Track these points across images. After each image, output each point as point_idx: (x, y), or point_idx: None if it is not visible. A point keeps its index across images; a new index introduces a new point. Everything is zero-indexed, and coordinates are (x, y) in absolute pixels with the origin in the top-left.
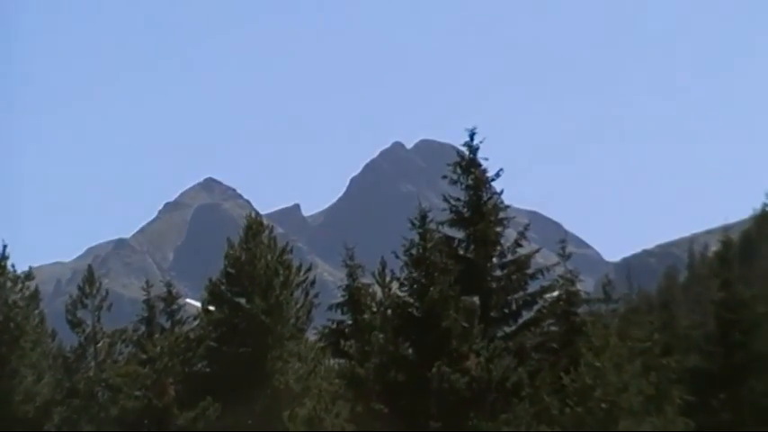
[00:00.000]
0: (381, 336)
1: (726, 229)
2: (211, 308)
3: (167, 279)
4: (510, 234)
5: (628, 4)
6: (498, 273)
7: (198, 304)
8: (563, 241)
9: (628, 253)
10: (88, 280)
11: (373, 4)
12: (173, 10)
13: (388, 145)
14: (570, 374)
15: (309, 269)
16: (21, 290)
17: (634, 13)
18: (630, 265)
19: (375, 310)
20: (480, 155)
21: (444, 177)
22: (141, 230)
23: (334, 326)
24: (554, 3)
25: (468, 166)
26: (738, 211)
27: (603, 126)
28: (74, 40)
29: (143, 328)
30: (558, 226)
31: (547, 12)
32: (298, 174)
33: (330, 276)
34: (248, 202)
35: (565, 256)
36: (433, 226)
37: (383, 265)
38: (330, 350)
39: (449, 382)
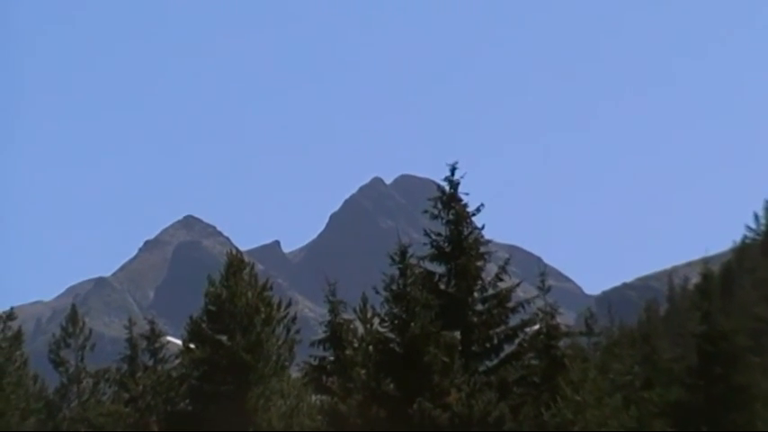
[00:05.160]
0: (363, 372)
1: (706, 261)
2: (192, 346)
3: (150, 317)
4: (491, 268)
5: (604, 40)
6: (479, 307)
7: (179, 342)
8: (542, 274)
9: (608, 286)
10: (72, 319)
11: (349, 40)
12: (151, 44)
13: (367, 181)
14: (551, 409)
15: (290, 305)
16: (2, 330)
17: (611, 50)
18: (610, 299)
19: (357, 346)
20: (460, 190)
21: (425, 212)
22: (121, 269)
23: (316, 362)
24: (534, 37)
25: (449, 200)
26: (718, 243)
27: (583, 160)
28: (53, 76)
29: (126, 367)
30: (538, 260)
31: (526, 46)
32: (277, 211)
33: (311, 313)
34: (228, 239)
35: (544, 290)
36: (413, 261)
37: (364, 300)
38: (312, 387)
39: (430, 417)
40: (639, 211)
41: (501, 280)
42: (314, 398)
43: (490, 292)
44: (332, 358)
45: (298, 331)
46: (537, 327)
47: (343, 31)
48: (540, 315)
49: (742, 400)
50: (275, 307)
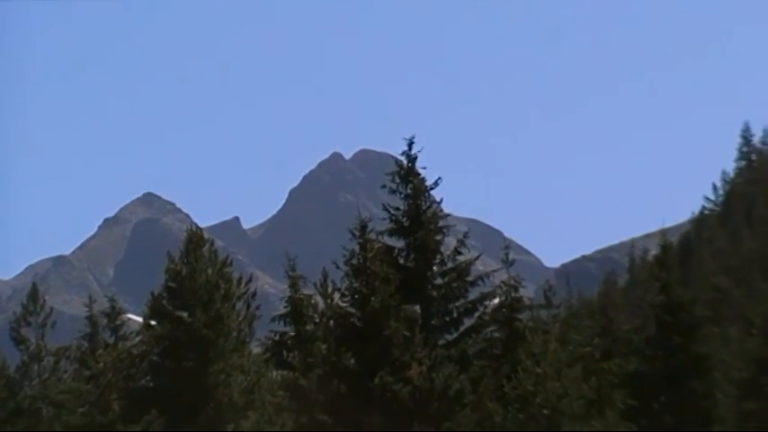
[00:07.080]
0: (324, 346)
1: (664, 232)
2: (153, 323)
3: (110, 294)
4: (450, 242)
5: (558, 22)
6: (439, 281)
7: (139, 319)
8: (507, 247)
9: (567, 258)
10: (32, 297)
11: (308, 17)
12: (109, 25)
13: (326, 156)
14: (511, 381)
15: (250, 281)
16: None
17: (566, 28)
18: (570, 271)
19: (317, 321)
20: (419, 164)
21: (383, 187)
22: (81, 246)
23: (277, 337)
24: (490, 16)
25: (407, 175)
26: (677, 214)
27: (540, 132)
28: (12, 58)
29: (86, 345)
30: (497, 233)
31: (481, 24)
32: (237, 186)
33: (271, 288)
34: (188, 215)
35: (508, 263)
36: (373, 236)
37: (325, 275)
38: (273, 362)
39: (391, 391)
40: (598, 183)
41: (460, 253)
42: (275, 373)
43: (449, 265)
44: (292, 333)
45: (258, 307)
46: (497, 300)
47: (305, 8)
48: (504, 288)
49: (701, 370)
50: (235, 283)
